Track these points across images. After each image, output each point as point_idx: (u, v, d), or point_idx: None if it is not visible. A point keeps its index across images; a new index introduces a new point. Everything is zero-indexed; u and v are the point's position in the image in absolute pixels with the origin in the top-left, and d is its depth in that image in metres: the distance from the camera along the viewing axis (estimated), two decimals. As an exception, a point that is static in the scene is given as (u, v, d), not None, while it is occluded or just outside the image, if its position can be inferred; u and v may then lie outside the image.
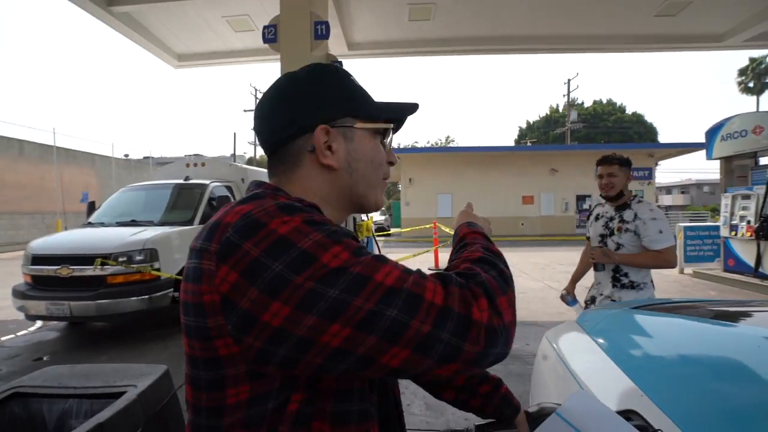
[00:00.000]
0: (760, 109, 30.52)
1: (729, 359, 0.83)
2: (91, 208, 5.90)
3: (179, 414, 1.42)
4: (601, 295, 2.26)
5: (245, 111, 31.67)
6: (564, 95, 30.46)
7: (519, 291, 7.50)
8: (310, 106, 0.56)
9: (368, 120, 0.59)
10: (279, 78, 0.61)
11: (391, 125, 0.62)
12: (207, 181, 5.91)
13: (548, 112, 37.27)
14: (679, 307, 1.27)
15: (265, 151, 0.61)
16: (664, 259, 2.07)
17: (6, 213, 16.65)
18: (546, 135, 35.41)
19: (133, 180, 21.60)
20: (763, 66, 29.62)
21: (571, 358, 1.14)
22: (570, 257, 11.36)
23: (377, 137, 0.61)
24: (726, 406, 0.72)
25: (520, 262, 10.28)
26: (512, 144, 35.67)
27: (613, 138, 32.21)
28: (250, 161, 33.49)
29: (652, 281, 2.22)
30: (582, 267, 2.63)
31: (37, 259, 4.47)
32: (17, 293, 4.40)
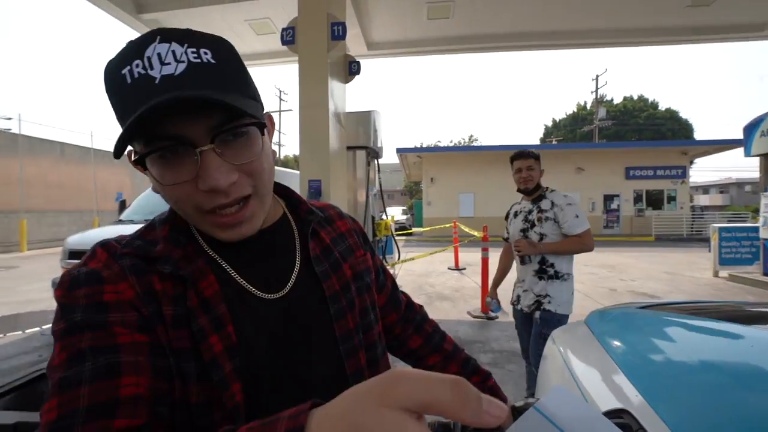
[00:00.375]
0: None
1: (731, 364, 0.80)
2: (122, 206, 6.18)
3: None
4: (526, 291, 2.29)
5: (271, 112, 32.32)
6: (592, 92, 29.52)
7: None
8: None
9: (131, 144, 0.48)
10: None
11: (150, 151, 0.45)
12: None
13: (575, 110, 36.19)
14: (691, 308, 1.21)
15: None
16: (584, 243, 2.18)
17: (50, 211, 17.62)
18: (573, 133, 34.40)
19: (163, 180, 22.40)
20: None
21: (573, 358, 1.11)
22: (597, 258, 10.99)
23: (160, 161, 0.46)
24: (721, 414, 0.69)
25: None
26: (537, 143, 34.84)
27: (644, 135, 30.95)
28: (276, 161, 34.08)
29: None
30: (502, 270, 2.68)
31: (74, 254, 4.73)
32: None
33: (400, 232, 16.17)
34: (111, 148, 0.47)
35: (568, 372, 1.05)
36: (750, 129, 6.19)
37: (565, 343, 1.26)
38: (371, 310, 0.64)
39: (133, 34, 7.00)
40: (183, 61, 0.45)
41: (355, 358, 0.57)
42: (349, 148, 4.95)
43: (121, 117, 0.45)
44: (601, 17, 6.51)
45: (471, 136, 47.86)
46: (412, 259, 6.61)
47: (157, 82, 0.43)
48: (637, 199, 19.16)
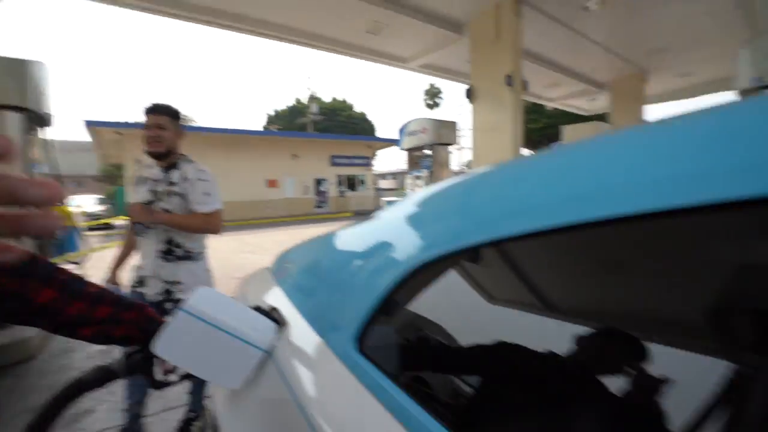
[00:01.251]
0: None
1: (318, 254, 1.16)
2: None
3: None
4: (152, 276, 1.87)
5: None
6: (308, 89, 32.81)
7: (258, 268, 7.69)
8: None
9: None
10: None
11: None
12: None
13: (294, 103, 39.27)
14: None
15: None
16: (212, 223, 1.90)
17: None
18: (291, 123, 37.27)
19: None
20: (433, 89, 41.37)
21: (250, 291, 1.32)
22: (309, 233, 12.55)
23: None
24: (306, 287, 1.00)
25: (263, 241, 10.58)
26: (261, 129, 35.67)
27: (345, 131, 37.33)
28: None
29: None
30: (127, 248, 2.07)
31: None
32: None
33: (96, 223, 12.93)
34: None
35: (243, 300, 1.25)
36: (401, 131, 8.72)
37: (254, 281, 1.46)
38: None
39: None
40: None
41: None
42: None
43: None
44: (302, 19, 7.32)
45: (187, 116, 43.35)
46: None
47: None
48: (340, 182, 23.11)
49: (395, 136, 12.70)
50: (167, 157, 1.90)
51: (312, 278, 1.03)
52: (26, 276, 0.69)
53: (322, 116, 35.14)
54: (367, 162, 24.11)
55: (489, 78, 6.69)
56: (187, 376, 0.87)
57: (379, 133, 49.20)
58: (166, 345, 0.74)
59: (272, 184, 20.48)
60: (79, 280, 0.77)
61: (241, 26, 7.41)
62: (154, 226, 1.85)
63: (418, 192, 0.99)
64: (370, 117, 42.47)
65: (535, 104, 19.41)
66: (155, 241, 1.85)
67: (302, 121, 34.97)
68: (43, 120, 4.02)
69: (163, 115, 1.84)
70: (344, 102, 40.77)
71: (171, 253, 1.86)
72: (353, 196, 23.03)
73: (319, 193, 22.28)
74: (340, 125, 37.97)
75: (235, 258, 8.05)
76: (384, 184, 51.53)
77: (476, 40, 6.96)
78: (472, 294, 0.61)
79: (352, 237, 1.04)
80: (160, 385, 0.83)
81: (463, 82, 11.04)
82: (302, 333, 0.85)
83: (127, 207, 1.91)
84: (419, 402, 0.54)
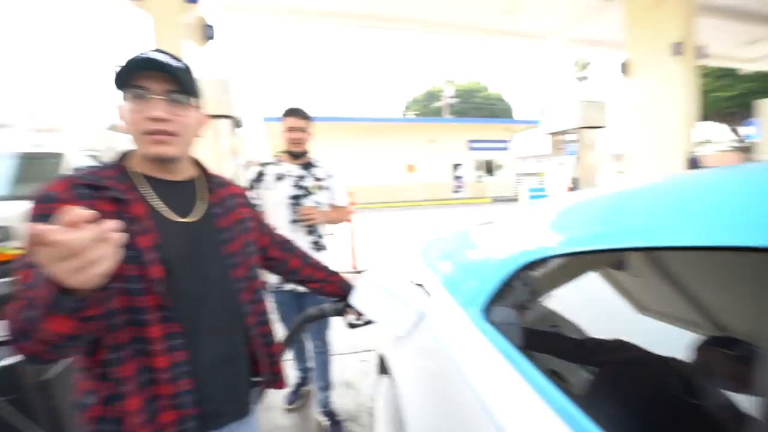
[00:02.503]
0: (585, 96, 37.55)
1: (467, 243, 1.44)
2: None
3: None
4: None
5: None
6: (442, 73, 32.78)
7: (397, 247, 8.23)
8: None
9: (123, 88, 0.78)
10: None
11: (121, 90, 0.78)
12: (63, 150, 5.27)
13: (430, 88, 39.93)
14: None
15: None
16: (346, 214, 2.17)
17: None
18: (427, 108, 38.04)
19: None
20: (582, 61, 36.24)
21: (402, 266, 1.71)
22: (447, 216, 13.02)
23: (134, 100, 0.78)
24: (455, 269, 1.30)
25: (402, 222, 11.43)
26: (400, 116, 37.52)
27: (482, 113, 36.24)
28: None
29: None
30: None
31: None
32: None
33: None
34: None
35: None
36: (543, 113, 8.22)
37: (403, 263, 1.87)
38: (251, 244, 1.00)
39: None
40: (166, 59, 0.80)
41: (237, 268, 0.91)
42: (209, 116, 4.85)
43: (118, 69, 0.76)
44: (441, 11, 7.54)
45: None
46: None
47: (148, 56, 0.77)
48: (477, 167, 22.77)
49: (535, 116, 11.95)
50: (304, 156, 2.09)
51: (456, 262, 1.34)
52: (286, 250, 1.19)
53: (457, 99, 34.87)
54: (505, 146, 23.10)
55: (650, 47, 5.78)
56: (368, 323, 1.29)
57: (518, 114, 46.09)
58: (357, 299, 1.16)
59: (410, 168, 21.51)
60: (305, 254, 1.24)
61: (385, 25, 8.06)
62: (308, 226, 2.00)
63: (562, 195, 1.20)
64: (506, 97, 40.08)
65: (724, 68, 15.48)
66: (304, 234, 2.01)
67: (438, 105, 35.40)
68: (239, 122, 5.30)
69: (302, 118, 2.04)
70: (478, 83, 39.50)
71: (318, 244, 2.06)
72: (491, 181, 22.46)
73: (456, 178, 22.42)
74: (475, 107, 37.05)
75: (376, 237, 8.99)
76: (523, 168, 48.42)
77: (634, 3, 6.06)
78: (604, 293, 0.75)
79: (490, 231, 1.29)
80: (352, 326, 1.27)
81: (615, 54, 9.67)
82: (446, 302, 1.17)
83: (301, 210, 1.97)
84: (535, 363, 0.78)
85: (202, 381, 0.82)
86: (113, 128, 8.01)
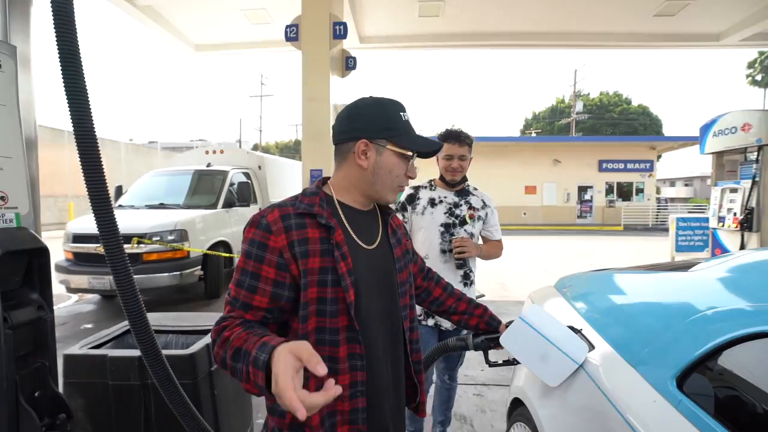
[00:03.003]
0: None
1: (642, 297, 1.24)
2: (119, 192, 6.33)
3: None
4: None
5: (251, 97, 31.89)
6: (571, 85, 30.42)
7: (517, 274, 7.84)
8: (361, 125, 0.88)
9: (398, 146, 0.89)
10: (364, 97, 0.93)
11: (412, 154, 0.91)
12: (228, 168, 6.32)
13: (554, 103, 37.21)
14: (636, 267, 1.66)
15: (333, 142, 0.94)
16: (501, 249, 2.00)
17: (21, 195, 17.04)
18: (551, 125, 35.44)
19: (141, 165, 21.86)
20: (772, 59, 29.37)
21: (544, 305, 1.56)
22: (570, 245, 11.77)
23: (404, 158, 0.90)
24: (624, 326, 1.13)
25: (520, 249, 10.68)
26: (518, 134, 35.74)
27: (618, 129, 32.24)
28: (255, 147, 33.85)
29: None
30: None
31: (78, 238, 4.92)
32: (60, 268, 4.85)
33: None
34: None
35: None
36: (704, 129, 6.84)
37: (536, 297, 1.71)
38: (411, 274, 1.04)
39: (128, 20, 7.02)
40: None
41: (404, 297, 0.97)
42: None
43: (388, 128, 0.88)
44: (577, 21, 6.99)
45: (453, 125, 48.37)
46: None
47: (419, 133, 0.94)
48: (609, 190, 20.21)
49: (692, 132, 10.11)
50: (461, 184, 1.94)
51: (621, 312, 1.16)
52: (430, 279, 1.18)
53: (588, 114, 31.67)
54: (647, 167, 20.05)
55: None
56: (507, 363, 1.18)
57: (669, 129, 39.76)
58: (508, 339, 1.07)
59: (530, 190, 20.20)
60: (450, 286, 1.21)
61: (512, 42, 7.81)
62: (457, 260, 1.84)
63: (764, 252, 0.97)
64: (654, 111, 34.85)
65: None
66: (453, 268, 1.86)
67: (564, 122, 32.67)
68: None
69: (465, 144, 1.87)
70: (616, 96, 35.24)
71: (468, 278, 1.90)
72: (626, 207, 19.65)
73: (582, 201, 20.25)
74: (610, 123, 33.13)
75: (494, 264, 8.56)
76: (670, 192, 41.41)
77: None
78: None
79: (673, 282, 1.09)
80: (492, 365, 1.18)
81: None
82: (610, 357, 1.00)
83: (455, 240, 1.82)
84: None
85: (375, 402, 0.86)
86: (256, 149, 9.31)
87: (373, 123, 0.88)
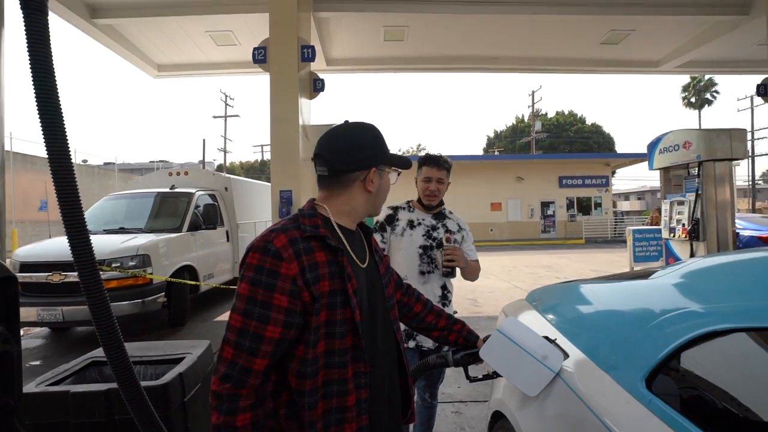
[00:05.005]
0: (702, 122, 33.33)
1: (611, 303, 1.31)
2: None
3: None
4: None
5: (214, 117, 31.22)
6: (529, 106, 32.06)
7: (487, 290, 7.97)
8: (368, 155, 0.92)
9: (390, 166, 0.98)
10: (349, 125, 0.96)
11: (401, 171, 1.02)
12: (193, 190, 6.13)
13: (515, 122, 39.01)
14: (599, 278, 1.76)
15: (324, 171, 0.92)
16: (479, 269, 2.02)
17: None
18: (513, 144, 37.03)
19: (96, 187, 20.77)
20: (702, 84, 32.34)
21: (518, 318, 1.61)
22: (536, 260, 12.18)
23: (391, 177, 1.00)
24: (602, 337, 1.19)
25: (489, 265, 10.93)
26: (481, 153, 37.06)
27: (574, 147, 34.11)
28: (219, 168, 33.04)
29: None
30: None
31: (26, 266, 4.56)
32: (6, 300, 4.47)
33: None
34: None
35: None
36: (651, 147, 7.41)
37: (508, 310, 1.77)
38: (393, 289, 1.07)
39: (87, 40, 6.79)
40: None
41: (393, 310, 1.00)
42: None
43: (384, 153, 0.96)
44: (532, 47, 7.47)
45: (419, 145, 49.58)
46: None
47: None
48: (570, 205, 21.22)
49: (641, 148, 10.89)
50: (437, 207, 1.99)
51: (590, 321, 1.22)
52: (410, 295, 1.20)
53: (546, 133, 33.39)
54: (603, 182, 21.28)
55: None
56: (487, 377, 1.21)
57: (621, 147, 42.49)
58: (487, 352, 1.09)
59: (495, 207, 20.83)
60: (430, 302, 1.23)
61: (472, 66, 8.20)
62: (436, 272, 1.88)
63: (712, 259, 1.06)
64: (606, 129, 37.30)
65: None
66: (433, 288, 1.88)
67: (524, 141, 34.25)
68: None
69: (443, 168, 1.91)
70: (572, 116, 37.49)
71: (446, 297, 1.92)
72: (586, 221, 20.67)
73: (546, 216, 21.11)
74: (567, 142, 35.06)
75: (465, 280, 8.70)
76: (625, 206, 43.93)
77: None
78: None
79: (634, 290, 1.17)
80: (473, 380, 1.20)
81: (745, 73, 8.53)
82: (583, 364, 1.05)
83: (446, 250, 1.82)
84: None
85: (375, 417, 0.87)
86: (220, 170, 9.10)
87: (376, 151, 0.94)
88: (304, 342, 0.81)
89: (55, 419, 1.26)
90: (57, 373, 1.50)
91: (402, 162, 1.00)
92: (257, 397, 0.78)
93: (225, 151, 31.12)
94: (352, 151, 0.92)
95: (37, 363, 4.18)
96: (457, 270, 1.89)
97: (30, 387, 1.34)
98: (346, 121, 0.98)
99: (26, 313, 4.36)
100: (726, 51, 7.47)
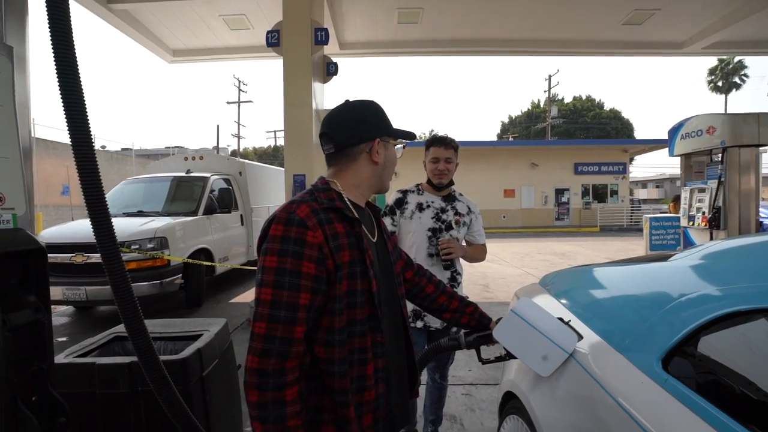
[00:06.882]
0: (728, 107, 32.08)
1: (625, 288, 1.30)
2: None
3: (233, 354, 1.84)
4: None
5: (228, 103, 31.39)
6: (545, 91, 31.31)
7: (499, 276, 7.96)
8: (372, 127, 0.94)
9: (394, 138, 0.99)
10: (350, 102, 0.97)
11: (405, 143, 1.04)
12: (208, 174, 6.22)
13: (530, 108, 38.17)
14: (615, 261, 1.73)
15: (330, 149, 0.94)
16: (486, 252, 2.07)
17: (-14, 205, 16.27)
18: (527, 130, 36.30)
19: (115, 172, 21.18)
20: (731, 66, 31.01)
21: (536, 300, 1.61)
22: (549, 247, 12.06)
23: (393, 148, 1.02)
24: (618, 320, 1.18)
25: (501, 251, 10.88)
26: (495, 139, 36.46)
27: (591, 133, 33.30)
28: (234, 153, 33.32)
29: None
30: None
31: (50, 248, 4.72)
32: (32, 280, 4.65)
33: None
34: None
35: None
36: (672, 132, 7.17)
37: (522, 293, 1.76)
38: (400, 268, 1.09)
39: (104, 26, 6.83)
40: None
41: (400, 287, 1.03)
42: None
43: (387, 125, 0.97)
44: (551, 29, 7.24)
45: (432, 131, 48.96)
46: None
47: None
48: (585, 192, 20.83)
49: (662, 135, 10.56)
50: (447, 188, 1.97)
51: (605, 303, 1.21)
52: (421, 275, 1.21)
53: (562, 119, 32.61)
54: (621, 169, 20.79)
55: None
56: (499, 359, 1.22)
57: (640, 133, 41.29)
58: (501, 332, 1.10)
59: (509, 193, 20.59)
60: (440, 282, 1.24)
61: (487, 49, 8.02)
62: (446, 263, 1.89)
63: (733, 241, 1.04)
64: (626, 115, 36.20)
65: None
66: (441, 270, 1.89)
67: (540, 126, 33.53)
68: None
69: (450, 148, 1.91)
70: (589, 101, 36.46)
71: (455, 280, 1.93)
72: (602, 208, 20.29)
73: (560, 204, 20.79)
74: (584, 128, 34.21)
75: (477, 266, 8.69)
76: (643, 194, 42.92)
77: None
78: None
79: (652, 273, 1.15)
80: (485, 362, 1.21)
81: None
82: (597, 345, 1.05)
83: (441, 243, 1.86)
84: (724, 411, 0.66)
85: (391, 386, 0.91)
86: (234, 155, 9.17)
87: (379, 123, 0.96)
88: (329, 311, 0.83)
89: (82, 389, 1.32)
90: (84, 346, 1.57)
91: (406, 134, 1.01)
92: (301, 371, 0.79)
93: (239, 137, 31.35)
94: (355, 125, 0.93)
95: (64, 339, 4.36)
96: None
97: (59, 358, 1.40)
98: (347, 100, 0.99)
99: (52, 292, 4.42)
100: (758, 30, 7.13)
